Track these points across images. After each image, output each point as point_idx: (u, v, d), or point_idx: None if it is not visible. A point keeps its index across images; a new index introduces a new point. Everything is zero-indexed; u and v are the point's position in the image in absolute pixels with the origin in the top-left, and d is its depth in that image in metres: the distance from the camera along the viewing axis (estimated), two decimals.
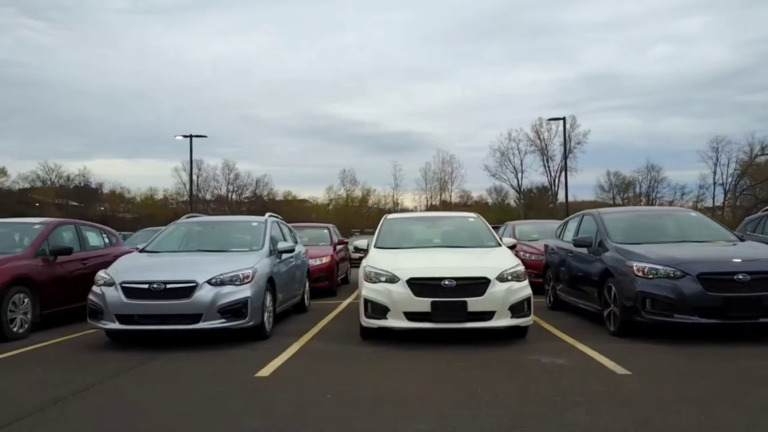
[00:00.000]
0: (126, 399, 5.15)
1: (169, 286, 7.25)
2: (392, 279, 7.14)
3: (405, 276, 7.05)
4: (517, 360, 6.37)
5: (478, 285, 6.97)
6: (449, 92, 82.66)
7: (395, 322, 7.04)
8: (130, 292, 7.28)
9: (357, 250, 9.06)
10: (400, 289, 7.02)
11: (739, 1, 72.75)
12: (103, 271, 7.81)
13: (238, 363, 6.54)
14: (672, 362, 6.11)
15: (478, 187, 75.18)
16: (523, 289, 7.14)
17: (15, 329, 8.18)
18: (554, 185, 67.53)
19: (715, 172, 56.92)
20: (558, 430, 4.10)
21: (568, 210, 28.71)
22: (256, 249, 8.67)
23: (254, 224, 9.58)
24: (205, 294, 7.26)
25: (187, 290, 7.25)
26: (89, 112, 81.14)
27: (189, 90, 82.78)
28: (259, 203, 70.07)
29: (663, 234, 8.44)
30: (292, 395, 5.15)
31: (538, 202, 63.44)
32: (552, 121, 29.54)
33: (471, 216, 9.64)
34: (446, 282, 6.93)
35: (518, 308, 7.06)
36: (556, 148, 64.92)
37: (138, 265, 7.95)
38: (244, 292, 7.48)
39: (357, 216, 70.39)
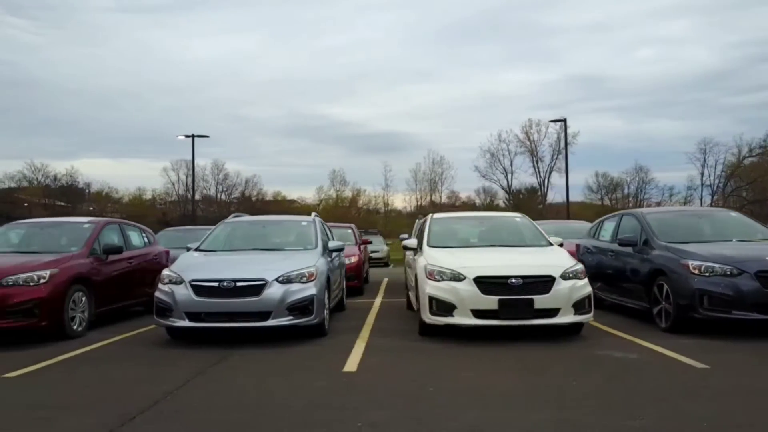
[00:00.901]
0: (233, 392, 5.29)
1: (238, 284, 7.40)
2: (458, 277, 7.34)
3: (472, 274, 7.26)
4: (590, 355, 6.61)
5: (543, 283, 7.20)
6: (437, 93, 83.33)
7: (462, 319, 7.25)
8: (199, 290, 7.42)
9: (406, 248, 9.24)
10: (467, 287, 7.22)
11: (724, 4, 74.06)
12: (168, 269, 7.94)
13: (317, 359, 6.70)
14: (743, 357, 6.38)
15: (466, 187, 75.90)
16: (584, 286, 7.39)
17: (75, 327, 8.26)
18: (544, 186, 68.23)
19: (702, 174, 57.90)
20: (678, 420, 4.32)
21: (569, 212, 29.10)
22: (310, 248, 8.85)
23: (304, 224, 9.76)
24: (274, 292, 7.42)
25: (256, 288, 7.40)
26: (75, 111, 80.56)
27: (176, 90, 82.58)
28: (247, 204, 69.90)
29: (706, 233, 8.74)
30: (392, 388, 5.33)
31: (527, 203, 63.90)
32: (552, 122, 29.58)
33: (517, 216, 9.88)
34: (513, 280, 7.15)
35: (580, 305, 7.31)
36: (545, 150, 65.64)
37: (202, 263, 8.08)
38: (310, 289, 7.65)
39: (347, 217, 70.35)
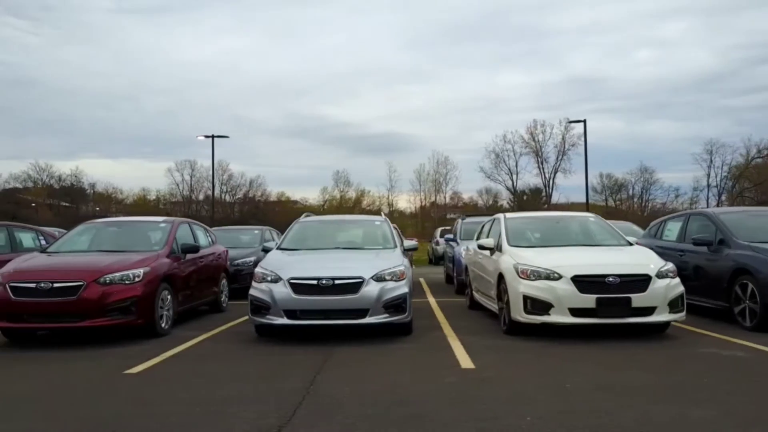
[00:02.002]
0: (371, 386, 5.39)
1: (337, 282, 7.50)
2: (554, 276, 7.45)
3: (569, 273, 7.38)
4: (695, 353, 6.74)
5: (640, 281, 7.32)
6: (437, 94, 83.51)
7: (559, 317, 7.36)
8: (298, 288, 7.51)
9: (481, 248, 9.35)
10: (565, 286, 7.34)
11: (723, 6, 74.48)
12: (261, 268, 8.01)
13: (426, 356, 6.83)
14: None
15: (468, 188, 75.88)
16: (678, 285, 7.52)
17: (163, 325, 8.35)
18: (549, 187, 68.43)
19: (709, 175, 58.19)
20: None
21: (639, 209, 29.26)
22: (390, 247, 8.96)
23: (377, 223, 9.88)
24: (371, 290, 7.52)
25: (354, 286, 7.51)
26: (74, 111, 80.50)
27: (175, 91, 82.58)
28: (251, 204, 69.90)
29: None
30: (529, 384, 5.44)
31: (531, 204, 64.11)
32: (570, 123, 29.67)
33: (591, 216, 10.01)
34: (611, 279, 7.27)
35: (675, 304, 7.44)
36: (550, 150, 65.85)
37: (295, 262, 8.15)
38: (404, 288, 7.77)
39: None
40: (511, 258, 8.20)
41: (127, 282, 7.75)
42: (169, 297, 8.57)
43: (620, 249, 8.46)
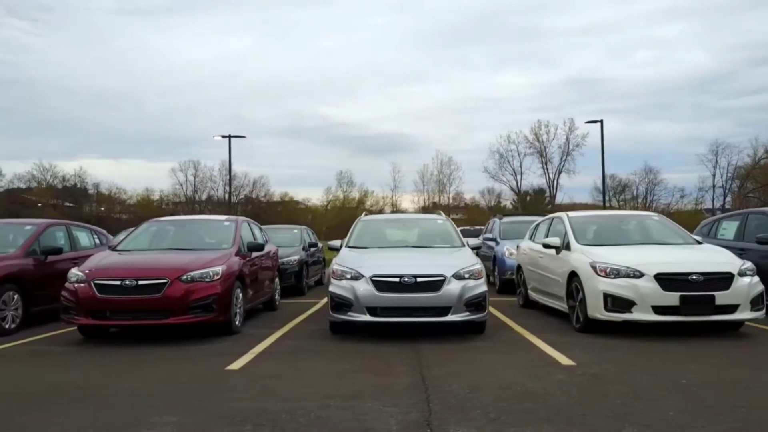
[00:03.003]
0: (486, 380, 5.44)
1: (419, 279, 7.55)
2: (635, 274, 7.51)
3: (652, 271, 7.44)
4: None
5: (724, 279, 7.39)
6: (436, 95, 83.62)
7: (642, 315, 7.42)
8: (380, 285, 7.56)
9: (547, 246, 9.40)
10: (647, 284, 7.40)
11: (722, 7, 74.80)
12: (338, 265, 8.04)
13: (518, 353, 6.91)
14: None
15: (469, 189, 75.92)
16: (758, 283, 7.60)
17: (237, 323, 8.41)
18: (553, 188, 68.58)
19: (714, 175, 58.40)
20: None
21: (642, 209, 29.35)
22: (458, 245, 9.03)
23: (439, 221, 9.96)
24: (453, 288, 7.58)
25: (436, 284, 7.56)
26: (75, 112, 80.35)
27: (175, 91, 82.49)
28: (255, 205, 69.81)
29: None
30: (643, 381, 5.49)
31: (534, 204, 64.22)
32: (587, 123, 29.78)
33: (654, 215, 10.09)
34: (694, 276, 7.34)
35: (756, 301, 7.51)
36: (554, 151, 66.00)
37: (372, 259, 8.17)
38: (483, 286, 7.83)
39: (353, 218, 70.32)
40: (584, 256, 8.26)
41: (207, 280, 7.79)
42: (240, 295, 8.61)
43: (693, 247, 8.53)
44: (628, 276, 7.57)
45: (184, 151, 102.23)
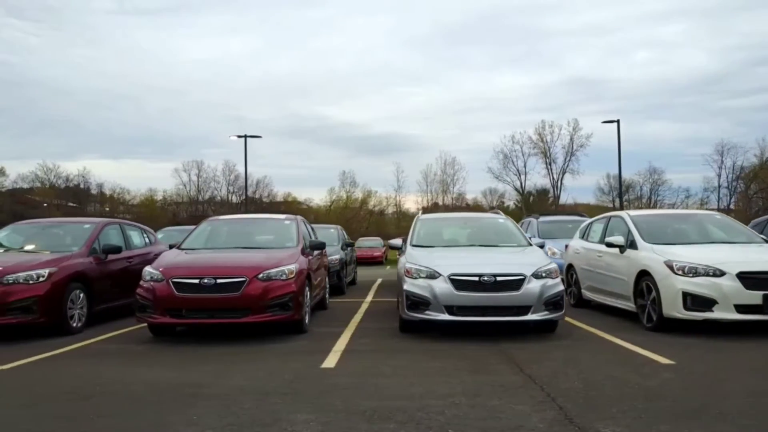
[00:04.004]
0: (596, 377, 5.43)
1: (499, 278, 7.52)
2: (716, 273, 7.50)
3: (734, 270, 7.42)
4: None
5: None
6: (436, 95, 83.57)
7: (724, 314, 7.40)
8: (459, 284, 7.53)
9: (610, 245, 9.37)
10: (730, 283, 7.39)
11: (721, 7, 75.04)
12: (411, 263, 8.00)
13: (605, 351, 6.90)
14: None
15: (471, 189, 75.86)
16: None
17: (306, 321, 8.38)
18: (557, 188, 68.66)
19: (720, 176, 58.54)
20: None
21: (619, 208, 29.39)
22: (525, 244, 9.02)
23: (501, 220, 9.94)
24: (533, 287, 7.55)
25: (516, 283, 7.54)
26: (75, 112, 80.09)
27: (176, 91, 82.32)
28: (258, 205, 69.68)
29: None
30: (745, 379, 5.48)
31: (537, 205, 64.30)
32: (604, 123, 29.81)
33: (717, 214, 10.09)
34: None
35: None
36: (558, 151, 66.08)
37: (443, 258, 8.12)
38: (560, 285, 7.83)
39: (357, 218, 70.52)
40: (656, 255, 8.24)
41: (283, 278, 7.75)
42: (308, 293, 8.56)
43: (762, 246, 8.53)
44: (707, 275, 7.55)
45: (185, 152, 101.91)
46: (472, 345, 7.26)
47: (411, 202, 74.94)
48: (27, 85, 77.57)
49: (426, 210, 62.63)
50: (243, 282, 7.48)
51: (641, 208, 62.27)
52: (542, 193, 70.36)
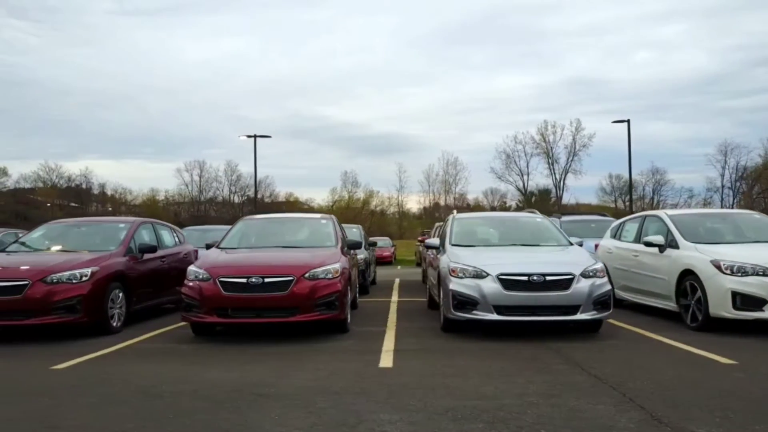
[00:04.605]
0: (669, 379, 5.39)
1: (548, 278, 7.48)
2: (765, 272, 7.48)
3: None
4: None
5: None
6: (436, 95, 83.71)
7: None
8: (508, 283, 7.48)
9: (649, 245, 9.32)
10: None
11: (720, 8, 75.20)
12: (455, 263, 7.95)
13: (663, 352, 6.86)
14: None
15: (471, 189, 75.83)
16: None
17: (348, 321, 8.35)
18: (559, 188, 68.70)
19: (723, 176, 58.65)
20: None
21: (632, 211, 29.39)
22: (565, 244, 8.97)
23: (538, 219, 9.89)
24: (582, 286, 7.51)
25: (566, 282, 7.49)
26: (75, 112, 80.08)
27: (176, 91, 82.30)
28: (259, 205, 69.53)
29: None
30: None
31: (539, 205, 64.32)
32: (614, 123, 29.82)
33: (755, 213, 10.06)
34: None
35: None
36: (560, 151, 66.13)
37: (488, 257, 8.06)
38: (608, 284, 7.79)
39: (359, 218, 70.44)
40: (701, 254, 8.21)
41: (329, 277, 7.70)
42: (348, 293, 8.52)
43: None
44: (756, 274, 7.53)
45: (185, 152, 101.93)
46: (523, 344, 7.21)
47: (413, 202, 74.98)
48: (27, 85, 77.60)
49: (460, 209, 62.64)
50: (291, 281, 7.43)
51: (644, 208, 62.35)
52: (544, 193, 70.48)
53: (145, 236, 9.76)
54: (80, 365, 6.39)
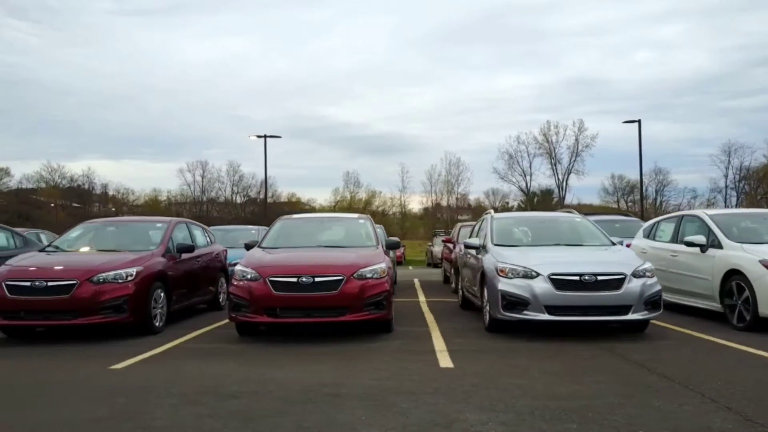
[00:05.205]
0: (741, 380, 5.35)
1: (600, 278, 7.43)
2: None
3: None
4: None
5: None
6: (436, 95, 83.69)
7: None
8: (559, 283, 7.43)
9: (690, 244, 9.28)
10: None
11: (720, 8, 75.33)
12: (503, 263, 7.89)
13: (721, 352, 6.82)
14: None
15: (473, 189, 75.82)
16: None
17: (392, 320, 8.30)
18: (562, 189, 68.69)
19: (726, 176, 58.66)
20: None
21: (643, 211, 29.33)
22: (609, 243, 8.92)
23: (578, 219, 9.85)
24: (634, 286, 7.47)
25: (617, 282, 7.46)
26: (75, 113, 79.88)
27: (176, 91, 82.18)
28: (262, 205, 69.40)
29: None
30: None
31: (542, 205, 64.40)
32: (625, 123, 29.82)
33: None
34: None
35: None
36: (563, 151, 66.12)
37: (536, 257, 8.00)
38: (658, 284, 7.76)
39: None
40: (748, 254, 8.19)
41: (375, 277, 7.65)
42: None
43: None
44: None
45: (185, 152, 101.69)
46: (575, 345, 7.17)
47: (415, 203, 74.87)
48: (27, 85, 77.36)
49: (496, 209, 62.33)
50: (341, 280, 7.38)
51: (648, 208, 62.41)
52: (546, 193, 70.42)
53: (181, 236, 9.69)
54: (137, 365, 6.33)
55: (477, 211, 71.59)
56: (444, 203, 73.93)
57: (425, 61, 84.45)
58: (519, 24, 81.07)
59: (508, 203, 72.09)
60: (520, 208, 66.67)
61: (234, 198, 74.49)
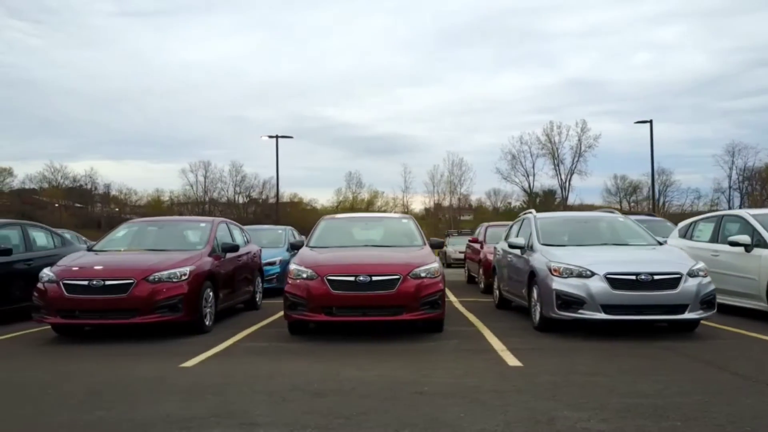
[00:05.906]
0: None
1: (656, 277, 7.45)
2: None
3: None
4: None
5: None
6: (436, 96, 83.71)
7: None
8: (616, 283, 7.44)
9: (734, 244, 9.31)
10: None
11: (720, 9, 75.51)
12: (556, 262, 7.89)
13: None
14: None
15: (474, 190, 75.85)
16: None
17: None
18: (565, 189, 68.77)
19: (730, 177, 58.79)
20: None
21: (654, 209, 29.41)
22: (655, 243, 8.94)
23: (621, 219, 9.86)
24: (690, 285, 7.48)
25: (674, 281, 7.47)
26: (75, 113, 79.80)
27: (177, 92, 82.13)
28: (264, 206, 69.43)
29: None
30: None
31: (544, 206, 64.46)
32: (636, 123, 29.87)
33: None
34: None
35: None
36: (566, 152, 66.20)
37: (589, 256, 8.01)
38: (713, 284, 7.76)
39: None
40: None
41: (430, 276, 7.64)
42: None
43: None
44: None
45: (186, 152, 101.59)
46: (634, 343, 7.20)
47: (417, 203, 74.86)
48: (27, 86, 77.23)
49: (498, 210, 62.29)
50: (398, 279, 7.38)
51: (650, 208, 62.51)
52: (549, 194, 70.49)
53: (224, 236, 9.68)
54: (206, 363, 6.34)
55: (478, 212, 71.77)
56: (446, 203, 73.94)
57: (425, 62, 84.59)
58: (519, 25, 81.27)
59: (510, 203, 72.18)
60: (522, 209, 66.61)
61: (236, 198, 74.39)
